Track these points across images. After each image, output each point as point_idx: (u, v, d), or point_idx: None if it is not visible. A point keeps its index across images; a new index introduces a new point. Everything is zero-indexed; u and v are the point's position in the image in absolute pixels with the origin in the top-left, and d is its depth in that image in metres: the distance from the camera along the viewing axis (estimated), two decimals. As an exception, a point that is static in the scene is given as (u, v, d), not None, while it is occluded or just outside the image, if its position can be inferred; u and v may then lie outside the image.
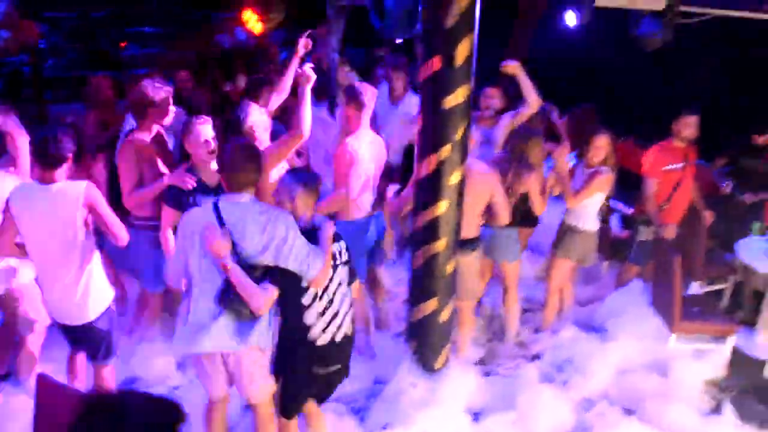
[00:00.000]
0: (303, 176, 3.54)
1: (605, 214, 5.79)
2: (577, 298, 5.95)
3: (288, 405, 3.67)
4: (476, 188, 4.43)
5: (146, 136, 4.47)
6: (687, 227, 5.75)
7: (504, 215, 4.68)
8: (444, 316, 4.24)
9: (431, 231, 3.95)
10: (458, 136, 3.75)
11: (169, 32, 12.28)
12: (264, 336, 3.44)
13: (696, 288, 5.90)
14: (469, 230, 4.53)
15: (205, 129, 4.20)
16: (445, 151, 3.75)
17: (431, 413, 4.25)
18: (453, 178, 3.84)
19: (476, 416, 4.46)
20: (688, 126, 5.45)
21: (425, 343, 4.34)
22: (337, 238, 3.53)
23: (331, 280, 3.46)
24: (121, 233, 3.71)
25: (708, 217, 5.76)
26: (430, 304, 4.17)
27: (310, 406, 3.79)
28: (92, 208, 3.62)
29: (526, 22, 8.24)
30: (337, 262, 3.51)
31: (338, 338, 3.54)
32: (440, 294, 4.16)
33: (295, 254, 3.26)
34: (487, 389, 4.72)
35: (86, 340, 3.91)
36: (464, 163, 3.89)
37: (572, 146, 5.72)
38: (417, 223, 4.01)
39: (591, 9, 5.86)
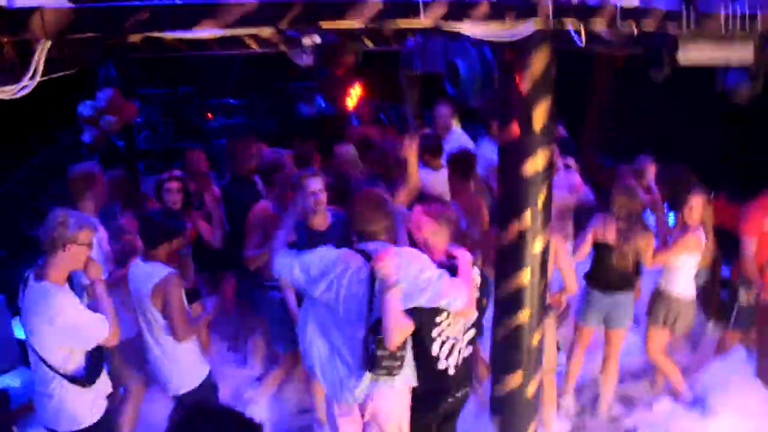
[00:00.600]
0: (435, 208, 3.60)
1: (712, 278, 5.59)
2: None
3: None
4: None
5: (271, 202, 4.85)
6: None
7: (571, 282, 4.57)
8: (530, 390, 4.03)
9: (515, 301, 3.80)
10: (539, 203, 3.63)
11: (253, 102, 12.77)
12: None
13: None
14: None
15: (313, 182, 4.34)
16: (526, 218, 3.63)
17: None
18: (536, 246, 3.70)
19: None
20: None
21: (511, 419, 4.13)
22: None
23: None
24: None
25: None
26: (516, 378, 3.97)
27: None
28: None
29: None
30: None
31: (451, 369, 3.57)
32: (525, 367, 3.96)
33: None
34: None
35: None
36: (546, 230, 3.74)
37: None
38: (500, 292, 3.86)
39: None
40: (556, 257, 4.34)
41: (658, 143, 6.52)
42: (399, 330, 3.25)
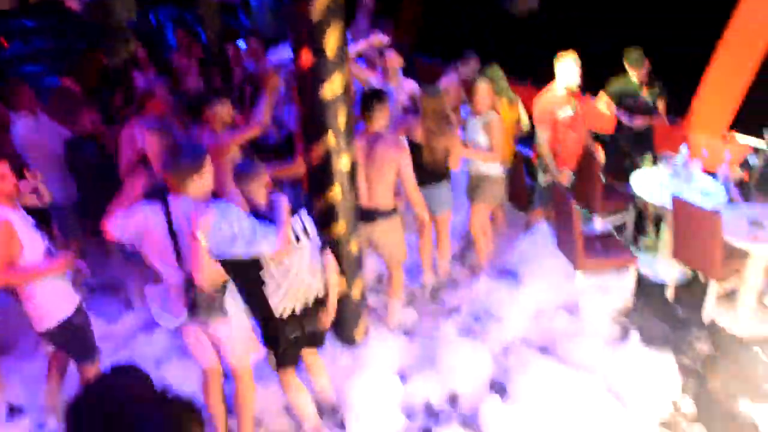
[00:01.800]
0: (248, 166, 3.66)
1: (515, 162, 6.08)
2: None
3: (280, 360, 3.96)
4: (384, 161, 4.58)
5: None
6: (582, 168, 6.02)
7: (410, 186, 4.81)
8: (355, 293, 4.43)
9: (329, 215, 4.09)
10: (340, 123, 3.86)
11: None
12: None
13: (599, 224, 6.23)
14: (386, 201, 4.72)
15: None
16: (330, 139, 3.86)
17: (357, 381, 4.48)
18: (342, 164, 3.97)
19: (402, 378, 4.68)
20: (570, 75, 5.64)
21: (342, 320, 4.53)
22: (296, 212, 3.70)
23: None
24: None
25: (600, 156, 6.03)
26: (340, 284, 4.33)
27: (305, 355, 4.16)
28: None
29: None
30: (299, 235, 3.68)
31: (298, 311, 3.78)
32: (348, 273, 4.32)
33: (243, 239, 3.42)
34: (410, 351, 4.96)
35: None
36: (352, 147, 4.01)
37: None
38: (315, 209, 4.13)
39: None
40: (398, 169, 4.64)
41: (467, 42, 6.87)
42: (206, 276, 3.47)
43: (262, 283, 3.63)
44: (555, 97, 5.71)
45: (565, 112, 5.68)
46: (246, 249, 3.42)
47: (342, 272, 4.30)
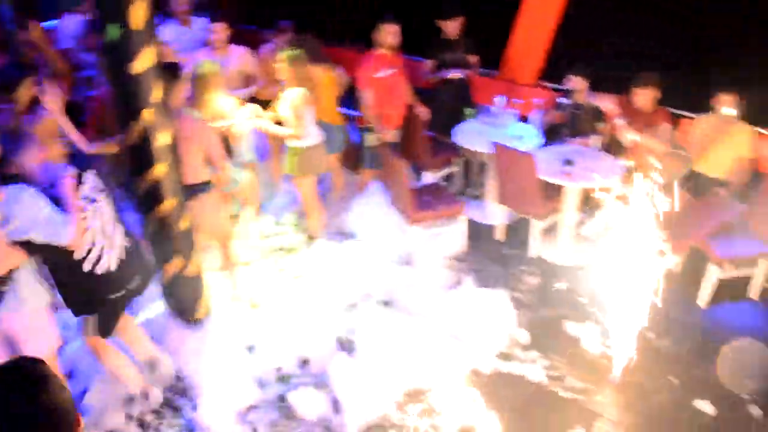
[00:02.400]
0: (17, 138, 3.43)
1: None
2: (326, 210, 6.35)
3: (102, 324, 3.85)
4: (190, 136, 4.48)
5: None
6: (407, 126, 6.23)
7: (221, 163, 4.77)
8: (192, 269, 4.37)
9: (155, 195, 3.99)
10: (156, 98, 3.76)
11: None
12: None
13: (429, 178, 6.49)
14: (200, 176, 4.64)
15: None
16: (147, 115, 3.76)
17: (206, 360, 4.44)
18: (163, 140, 3.87)
19: (251, 349, 4.69)
20: (390, 34, 5.80)
21: (182, 299, 4.47)
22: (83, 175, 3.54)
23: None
24: None
25: (424, 112, 6.25)
26: (175, 264, 4.27)
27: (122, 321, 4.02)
28: None
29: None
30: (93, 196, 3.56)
31: (113, 266, 3.67)
32: (182, 251, 4.26)
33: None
34: (257, 321, 4.95)
35: None
36: (169, 122, 3.92)
37: None
38: (139, 190, 4.02)
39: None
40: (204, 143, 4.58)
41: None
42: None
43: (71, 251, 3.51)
44: (374, 58, 5.84)
45: (386, 72, 5.83)
46: (41, 237, 3.28)
47: (177, 251, 4.23)
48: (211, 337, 4.59)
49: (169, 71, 4.38)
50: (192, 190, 4.56)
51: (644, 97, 5.60)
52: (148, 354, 4.33)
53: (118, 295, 3.79)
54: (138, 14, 3.57)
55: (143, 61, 3.66)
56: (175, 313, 4.53)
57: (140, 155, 3.89)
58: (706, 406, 4.20)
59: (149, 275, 4.05)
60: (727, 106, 5.30)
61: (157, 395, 4.25)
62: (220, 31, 5.95)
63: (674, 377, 4.45)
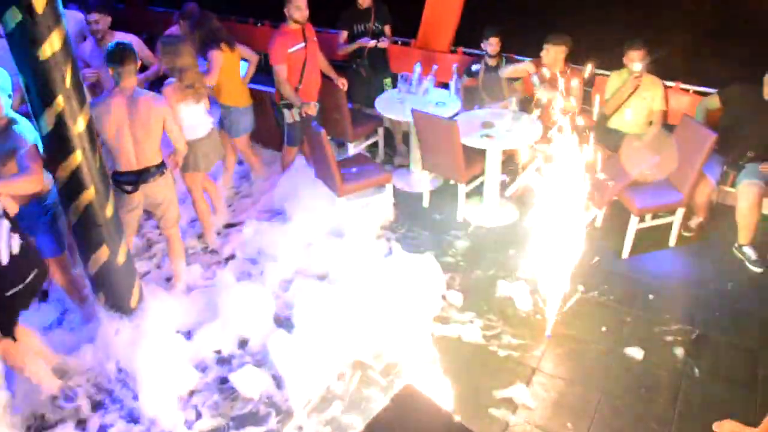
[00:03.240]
0: None
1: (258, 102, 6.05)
2: (250, 191, 6.28)
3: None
4: (149, 117, 4.42)
5: None
6: (326, 99, 6.18)
7: (180, 142, 4.73)
8: (120, 259, 4.25)
9: (75, 184, 3.85)
10: (68, 83, 3.61)
11: None
12: None
13: (352, 149, 6.49)
14: (157, 157, 4.59)
15: None
16: (60, 102, 3.61)
17: (143, 349, 4.35)
18: (78, 126, 3.73)
19: (188, 334, 4.64)
20: (299, 8, 5.69)
21: (111, 290, 4.35)
22: None
23: None
24: None
25: (342, 83, 6.21)
26: (102, 253, 4.14)
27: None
28: None
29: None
30: None
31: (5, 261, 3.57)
32: (108, 239, 4.14)
33: None
34: (192, 306, 4.90)
35: None
36: (85, 107, 3.77)
37: None
38: (58, 180, 3.88)
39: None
40: (164, 122, 4.52)
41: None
42: None
43: None
44: (286, 33, 5.74)
45: (298, 46, 5.75)
46: None
47: (102, 241, 4.11)
48: (146, 325, 4.50)
49: (120, 52, 4.29)
50: (150, 172, 4.54)
51: (555, 54, 5.74)
52: (49, 357, 4.23)
53: (15, 290, 3.66)
54: (40, -2, 3.40)
55: (51, 46, 3.50)
56: (105, 303, 4.40)
57: (56, 144, 3.74)
58: (634, 352, 4.40)
59: (45, 270, 3.93)
60: (636, 61, 5.50)
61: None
62: (100, 20, 5.71)
63: (603, 326, 4.64)
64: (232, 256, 5.53)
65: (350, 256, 5.27)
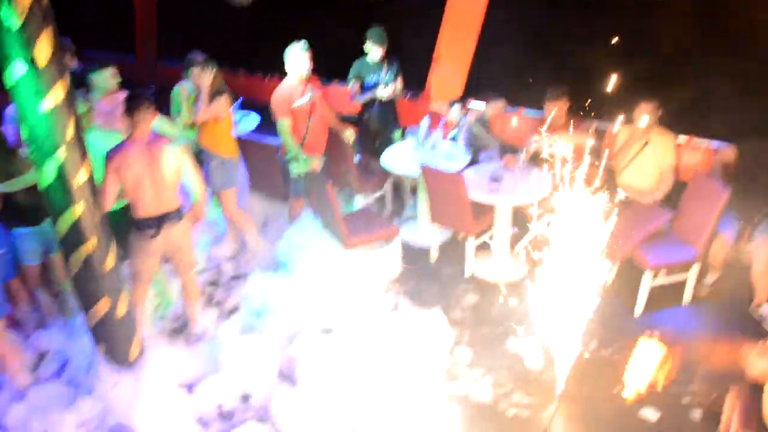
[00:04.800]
0: None
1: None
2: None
3: None
4: (167, 163, 4.44)
5: None
6: (333, 151, 6.16)
7: (198, 188, 4.72)
8: (121, 310, 4.18)
9: (76, 235, 3.81)
10: (69, 135, 3.60)
11: None
12: None
13: (359, 203, 6.43)
14: (175, 203, 4.59)
15: None
16: (62, 154, 3.59)
17: (143, 403, 4.27)
18: (80, 178, 3.70)
19: (190, 388, 4.54)
20: (301, 58, 5.69)
21: (112, 341, 4.28)
22: None
23: None
24: None
25: (349, 135, 6.19)
26: (102, 305, 4.08)
27: None
28: None
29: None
30: None
31: None
32: (108, 291, 4.07)
33: None
34: (195, 358, 4.80)
35: None
36: (86, 159, 3.76)
37: None
38: (58, 232, 3.83)
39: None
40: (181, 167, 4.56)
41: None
42: None
43: None
44: (290, 86, 5.74)
45: (303, 100, 5.74)
46: None
47: (102, 293, 4.04)
48: (147, 377, 4.41)
49: (136, 101, 4.35)
50: (168, 218, 4.54)
51: (557, 109, 5.76)
52: None
53: None
54: (44, 50, 3.40)
55: (55, 98, 3.50)
56: (106, 356, 4.31)
57: (57, 195, 3.70)
58: (649, 413, 4.25)
59: None
60: (645, 114, 5.46)
61: None
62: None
63: (617, 386, 4.49)
64: (236, 309, 5.44)
65: (356, 310, 5.18)
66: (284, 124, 5.70)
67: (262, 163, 5.99)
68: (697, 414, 4.24)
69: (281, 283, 5.51)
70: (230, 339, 4.91)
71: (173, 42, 9.08)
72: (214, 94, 5.51)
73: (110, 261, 4.02)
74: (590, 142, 5.26)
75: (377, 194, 6.71)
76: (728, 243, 5.25)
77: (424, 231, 6.29)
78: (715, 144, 5.92)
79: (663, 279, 5.25)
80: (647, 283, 5.14)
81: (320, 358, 4.64)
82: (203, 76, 5.45)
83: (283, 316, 5.18)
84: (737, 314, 5.18)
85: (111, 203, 4.38)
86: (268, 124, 6.15)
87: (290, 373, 4.65)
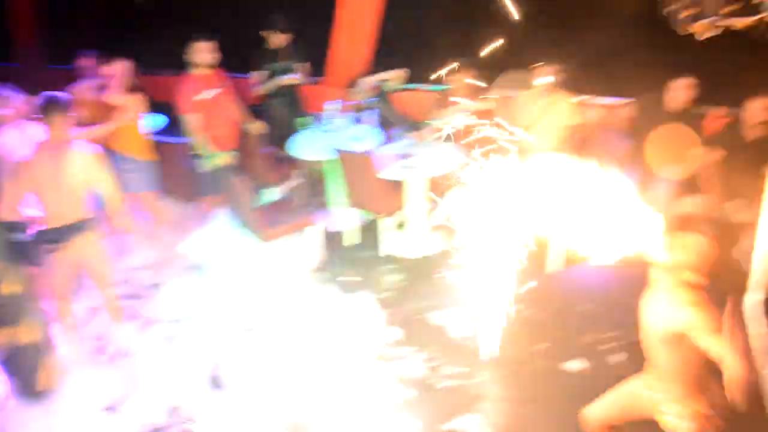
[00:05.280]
0: None
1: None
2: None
3: None
4: (74, 170, 4.23)
5: None
6: (243, 145, 6.03)
7: (112, 193, 4.48)
8: (30, 338, 3.98)
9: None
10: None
11: None
12: None
13: (274, 194, 6.33)
14: (85, 212, 4.40)
15: None
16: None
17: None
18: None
19: (112, 409, 4.36)
20: (205, 53, 5.56)
21: (19, 371, 4.07)
22: None
23: None
24: None
25: (257, 128, 6.07)
26: (6, 334, 3.88)
27: None
28: None
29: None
30: None
31: None
32: (11, 318, 3.88)
33: None
34: (118, 377, 4.62)
35: None
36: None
37: None
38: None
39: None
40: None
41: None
42: None
43: None
44: (195, 81, 5.59)
45: (209, 94, 5.60)
46: None
47: (4, 320, 3.84)
48: (63, 406, 4.22)
49: (52, 103, 4.19)
50: (78, 227, 4.34)
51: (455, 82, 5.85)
52: None
53: None
54: None
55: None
56: (17, 386, 4.11)
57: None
58: (574, 365, 4.37)
59: None
60: (544, 76, 5.55)
61: None
62: None
63: (540, 344, 4.59)
64: (156, 319, 5.27)
65: (280, 303, 5.11)
66: (192, 119, 5.53)
67: (171, 164, 5.80)
68: (618, 357, 4.39)
69: (200, 286, 5.39)
70: (153, 351, 4.77)
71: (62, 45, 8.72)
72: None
73: (9, 287, 3.82)
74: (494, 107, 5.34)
75: (290, 184, 6.61)
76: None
77: (340, 215, 6.25)
78: (613, 100, 6.09)
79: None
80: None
81: (247, 357, 4.55)
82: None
83: (205, 320, 5.06)
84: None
85: (9, 212, 4.15)
86: (172, 124, 5.96)
87: (218, 378, 4.54)
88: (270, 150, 6.52)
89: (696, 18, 2.61)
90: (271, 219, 5.51)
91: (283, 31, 6.35)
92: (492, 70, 5.98)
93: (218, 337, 4.87)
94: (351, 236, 6.01)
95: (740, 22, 2.49)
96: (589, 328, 4.69)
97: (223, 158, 5.65)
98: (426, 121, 6.07)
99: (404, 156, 5.59)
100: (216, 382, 4.50)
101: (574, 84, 5.84)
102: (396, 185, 5.59)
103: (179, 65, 5.68)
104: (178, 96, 5.53)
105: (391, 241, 5.79)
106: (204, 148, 5.62)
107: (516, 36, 4.93)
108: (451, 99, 5.66)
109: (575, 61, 5.88)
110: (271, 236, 5.43)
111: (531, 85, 5.66)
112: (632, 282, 4.81)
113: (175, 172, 5.98)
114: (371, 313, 4.96)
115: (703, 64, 5.26)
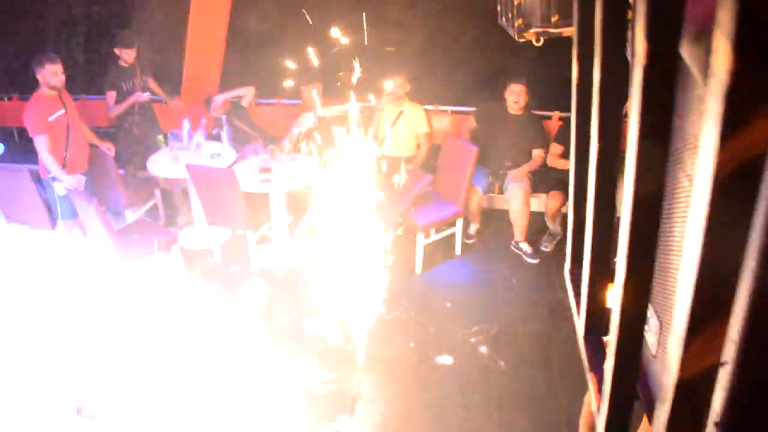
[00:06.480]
0: None
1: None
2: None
3: None
4: None
5: None
6: (96, 167, 5.84)
7: None
8: None
9: None
10: None
11: None
12: None
13: (130, 216, 6.16)
14: None
15: None
16: None
17: None
18: None
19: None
20: (55, 74, 5.34)
21: None
22: None
23: None
24: None
25: (108, 148, 5.89)
26: None
27: None
28: None
29: None
30: None
31: None
32: None
33: None
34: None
35: None
36: None
37: None
38: None
39: None
40: None
41: None
42: None
43: None
44: (43, 101, 5.35)
45: (58, 113, 5.39)
46: None
47: None
48: None
49: None
50: None
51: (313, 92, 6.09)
52: None
53: None
54: None
55: None
56: None
57: None
58: (445, 359, 4.62)
59: None
60: (393, 86, 5.86)
61: None
62: None
63: (411, 342, 4.82)
64: (15, 362, 4.97)
65: (146, 328, 4.98)
66: (42, 140, 5.28)
67: (15, 191, 5.51)
68: (483, 348, 4.69)
69: (60, 318, 5.15)
70: (18, 396, 4.51)
71: None
72: None
73: None
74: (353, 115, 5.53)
75: (148, 205, 6.47)
76: (481, 195, 5.85)
77: (202, 233, 6.19)
78: (458, 109, 6.52)
79: (434, 237, 5.70)
80: (421, 242, 5.54)
81: (119, 387, 4.43)
82: None
83: (68, 353, 4.85)
84: (501, 254, 5.80)
85: None
86: (13, 150, 5.68)
87: (91, 413, 4.38)
88: (126, 171, 6.36)
89: (528, 26, 2.86)
90: (130, 241, 5.38)
91: (132, 46, 6.25)
92: (341, 82, 6.18)
93: (86, 370, 4.69)
94: (215, 253, 5.98)
95: (569, 31, 2.76)
96: (458, 323, 4.98)
97: (76, 182, 5.44)
98: (284, 135, 6.17)
99: (263, 169, 5.66)
100: (90, 417, 4.34)
101: (422, 93, 6.19)
102: (259, 199, 5.64)
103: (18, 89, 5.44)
104: (28, 117, 5.27)
105: (257, 255, 5.82)
106: (57, 171, 5.38)
107: (363, 50, 5.13)
108: (303, 112, 5.82)
109: (423, 72, 6.24)
110: (130, 258, 5.31)
111: (383, 94, 5.94)
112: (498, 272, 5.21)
113: (22, 198, 5.70)
114: (240, 328, 4.97)
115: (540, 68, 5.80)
